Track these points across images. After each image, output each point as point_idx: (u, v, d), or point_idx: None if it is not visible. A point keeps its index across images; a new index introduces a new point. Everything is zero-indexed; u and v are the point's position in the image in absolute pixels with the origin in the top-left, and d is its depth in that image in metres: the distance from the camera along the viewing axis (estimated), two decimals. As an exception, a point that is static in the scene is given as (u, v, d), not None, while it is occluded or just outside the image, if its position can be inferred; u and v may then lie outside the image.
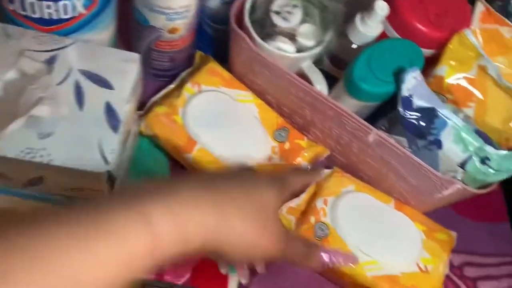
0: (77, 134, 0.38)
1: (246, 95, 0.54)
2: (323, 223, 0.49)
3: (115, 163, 0.39)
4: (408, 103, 0.43)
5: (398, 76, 0.44)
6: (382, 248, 0.49)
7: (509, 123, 0.46)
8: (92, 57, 0.42)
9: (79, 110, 0.39)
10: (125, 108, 0.41)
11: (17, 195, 0.41)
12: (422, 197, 0.50)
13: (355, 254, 0.48)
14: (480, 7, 0.49)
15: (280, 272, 0.51)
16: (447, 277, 0.54)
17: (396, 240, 0.50)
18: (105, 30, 0.47)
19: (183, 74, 0.57)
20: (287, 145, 0.53)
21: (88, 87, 0.40)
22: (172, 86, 0.56)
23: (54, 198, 0.42)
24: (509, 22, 0.49)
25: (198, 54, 0.58)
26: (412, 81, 0.43)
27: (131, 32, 0.54)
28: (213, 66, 0.55)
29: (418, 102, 0.43)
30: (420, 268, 0.49)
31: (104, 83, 0.41)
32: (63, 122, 0.39)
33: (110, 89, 0.41)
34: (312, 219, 0.49)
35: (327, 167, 0.55)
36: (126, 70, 0.42)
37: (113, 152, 0.39)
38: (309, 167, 0.53)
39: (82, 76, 0.41)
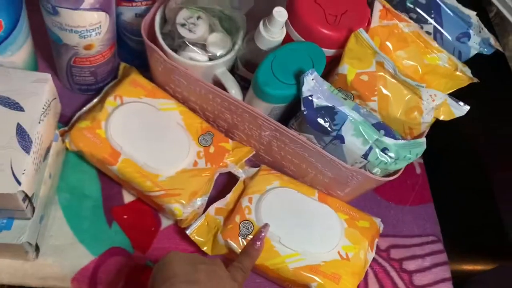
0: (-13, 158, 0.40)
1: (169, 103, 0.56)
2: (248, 220, 0.52)
3: (29, 183, 0.41)
4: (309, 103, 0.46)
5: (299, 78, 0.46)
6: (304, 240, 0.52)
7: (410, 114, 0.49)
8: (2, 80, 0.43)
9: (-11, 135, 0.41)
10: (37, 129, 0.42)
11: None
12: (340, 186, 0.53)
13: (278, 249, 0.50)
14: (378, 6, 0.52)
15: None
16: (375, 260, 0.57)
17: (318, 230, 0.53)
18: (17, 52, 0.48)
19: (107, 87, 0.58)
20: (212, 149, 0.55)
21: (-2, 111, 0.42)
22: (95, 100, 0.57)
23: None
24: (407, 18, 0.52)
25: (122, 65, 0.60)
26: (311, 83, 0.46)
27: (51, 49, 0.55)
28: (136, 77, 0.57)
29: (317, 101, 0.46)
30: (341, 255, 0.52)
31: (14, 105, 0.42)
32: (-27, 148, 0.40)
33: (21, 110, 0.42)
34: (237, 218, 0.52)
35: (256, 166, 0.58)
36: (37, 91, 0.44)
37: (25, 173, 0.40)
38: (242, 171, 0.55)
39: (-9, 101, 0.42)
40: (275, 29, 0.48)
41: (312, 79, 0.46)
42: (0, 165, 0.40)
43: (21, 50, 0.49)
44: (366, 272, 0.53)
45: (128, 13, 0.55)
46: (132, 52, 0.60)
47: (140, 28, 0.52)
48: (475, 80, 0.51)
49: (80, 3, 0.46)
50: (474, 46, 0.53)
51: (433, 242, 0.61)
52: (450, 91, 0.51)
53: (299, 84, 0.46)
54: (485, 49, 0.53)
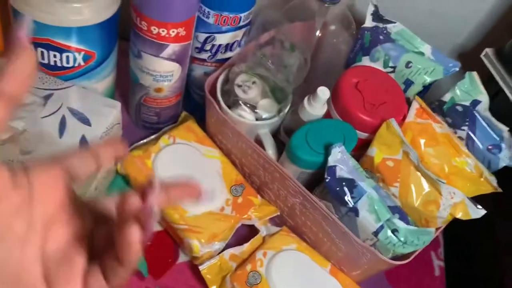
0: (51, 155, 0.47)
1: (213, 152, 0.63)
2: (257, 272, 0.55)
3: (81, 187, 0.48)
4: (332, 172, 0.50)
5: (328, 149, 0.51)
6: (306, 305, 0.53)
7: (428, 207, 0.52)
8: (81, 99, 0.52)
9: (59, 138, 0.49)
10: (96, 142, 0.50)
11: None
12: (352, 264, 0.55)
13: None
14: (415, 104, 0.57)
15: None
16: None
17: (322, 301, 0.54)
18: (101, 81, 0.58)
19: (165, 128, 0.66)
20: (240, 200, 0.60)
21: (71, 121, 0.50)
22: (153, 136, 0.65)
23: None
24: (441, 120, 0.57)
25: (184, 114, 0.68)
26: (338, 155, 0.50)
27: (128, 84, 0.64)
28: (191, 124, 0.65)
29: (340, 172, 0.50)
30: (339, 330, 0.53)
31: (84, 120, 0.51)
32: (43, 145, 0.48)
33: (89, 125, 0.51)
34: (248, 267, 0.55)
35: (278, 226, 0.61)
36: (105, 113, 0.52)
37: (76, 174, 0.47)
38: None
39: (69, 112, 0.51)
40: (317, 104, 0.54)
41: (339, 152, 0.50)
42: (60, 163, 0.47)
43: (104, 81, 0.58)
44: None
45: (199, 70, 0.64)
46: (195, 105, 0.69)
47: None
48: (499, 189, 0.53)
49: (160, 52, 0.55)
50: (504, 159, 0.56)
51: None
52: (472, 196, 0.53)
53: (327, 155, 0.51)
54: (514, 164, 0.55)
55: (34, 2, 0.48)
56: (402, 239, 0.48)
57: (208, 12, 0.56)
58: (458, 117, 0.58)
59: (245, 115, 0.58)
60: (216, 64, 0.63)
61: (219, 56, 0.61)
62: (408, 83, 0.60)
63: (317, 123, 0.54)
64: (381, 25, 0.61)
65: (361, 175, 0.51)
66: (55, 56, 0.52)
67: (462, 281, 0.67)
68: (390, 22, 0.61)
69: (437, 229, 0.53)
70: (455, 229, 0.67)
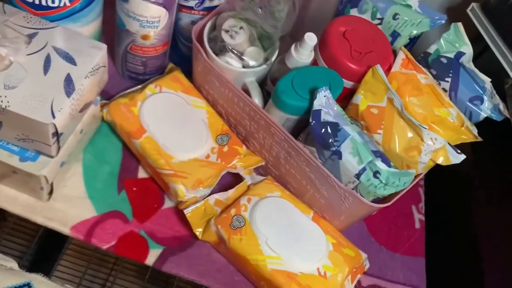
0: (36, 91, 0.47)
1: (199, 102, 0.63)
2: (241, 216, 0.55)
3: (62, 120, 0.47)
4: (317, 116, 0.51)
5: (314, 94, 0.52)
6: (288, 248, 0.54)
7: (409, 152, 0.53)
8: (67, 39, 0.52)
9: (43, 75, 0.48)
10: (81, 82, 0.50)
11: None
12: (333, 210, 0.56)
13: (262, 248, 0.53)
14: (401, 55, 0.57)
15: (196, 256, 0.56)
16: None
17: (304, 244, 0.55)
18: (86, 25, 0.57)
19: (152, 79, 0.66)
20: (225, 149, 0.60)
21: (56, 60, 0.50)
22: (139, 86, 0.65)
23: (9, 147, 0.50)
24: (426, 71, 0.57)
25: (170, 65, 0.68)
26: (323, 99, 0.51)
27: (114, 35, 0.64)
28: (177, 74, 0.65)
29: (325, 116, 0.51)
30: (319, 272, 0.54)
31: (70, 59, 0.50)
32: (27, 81, 0.47)
33: (74, 65, 0.50)
34: (233, 211, 0.56)
35: (263, 176, 0.62)
36: (91, 54, 0.52)
37: (61, 111, 0.47)
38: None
39: (54, 51, 0.50)
40: (304, 51, 0.55)
41: (325, 96, 0.51)
42: (44, 99, 0.47)
43: (90, 25, 0.58)
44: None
45: (186, 19, 0.64)
46: (182, 57, 0.68)
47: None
48: (479, 138, 0.55)
49: (147, -5, 0.55)
50: (485, 110, 0.57)
51: (415, 293, 0.61)
52: (453, 144, 0.55)
53: (312, 100, 0.52)
54: (495, 115, 0.56)
55: None
56: (383, 180, 0.49)
57: (196, -45, 0.56)
58: (442, 68, 0.58)
59: (232, 62, 0.58)
60: (203, 12, 0.62)
61: (207, 3, 0.61)
62: (395, 35, 0.60)
63: (303, 69, 0.54)
64: (369, -23, 0.61)
65: (345, 120, 0.51)
66: (40, -6, 0.51)
67: (441, 235, 0.69)
68: (379, -26, 0.61)
69: (418, 175, 0.54)
70: (435, 184, 0.69)
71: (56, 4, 0.52)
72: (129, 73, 0.66)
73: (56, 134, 0.48)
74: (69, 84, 0.49)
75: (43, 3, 0.52)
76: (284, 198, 0.59)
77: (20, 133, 0.48)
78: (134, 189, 0.59)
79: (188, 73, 0.65)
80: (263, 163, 0.62)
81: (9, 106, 0.45)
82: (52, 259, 0.77)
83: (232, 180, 0.62)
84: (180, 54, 0.69)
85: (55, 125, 0.47)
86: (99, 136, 0.61)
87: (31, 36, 0.50)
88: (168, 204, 0.59)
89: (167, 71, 0.67)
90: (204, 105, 0.63)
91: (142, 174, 0.61)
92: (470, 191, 0.68)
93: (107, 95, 0.64)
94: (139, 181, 0.60)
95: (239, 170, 0.60)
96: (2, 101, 0.46)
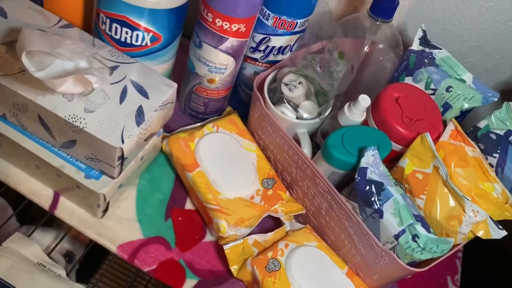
0: (111, 117, 0.52)
1: (251, 145, 0.67)
2: (277, 260, 0.57)
3: (129, 146, 0.52)
4: (363, 173, 0.53)
5: (362, 152, 0.54)
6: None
7: (450, 221, 0.54)
8: (143, 75, 0.57)
9: (119, 104, 0.54)
10: (151, 114, 0.55)
11: (53, 152, 0.55)
12: (368, 268, 0.57)
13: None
14: (451, 126, 0.59)
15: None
16: None
17: (335, 297, 0.56)
18: (161, 64, 0.63)
19: (210, 119, 0.71)
20: (270, 192, 0.63)
21: (132, 91, 0.55)
22: (198, 124, 0.70)
23: (77, 164, 0.55)
24: (474, 144, 0.59)
25: (228, 108, 0.73)
26: (370, 157, 0.53)
27: (182, 80, 0.70)
28: (234, 117, 0.69)
29: (371, 175, 0.53)
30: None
31: (143, 93, 0.56)
32: (105, 107, 0.53)
33: (146, 98, 0.56)
34: (269, 254, 0.58)
35: (302, 224, 0.64)
36: (162, 90, 0.57)
37: (130, 138, 0.52)
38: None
39: (131, 84, 0.56)
40: (357, 110, 0.58)
41: (372, 155, 0.53)
42: (117, 125, 0.52)
43: (164, 64, 0.64)
44: None
45: (250, 69, 0.69)
46: (240, 102, 0.73)
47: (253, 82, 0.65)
48: (523, 217, 0.55)
49: (219, 44, 0.60)
50: (531, 189, 0.57)
51: None
52: (496, 220, 0.55)
53: (360, 157, 0.54)
54: (541, 195, 0.57)
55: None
56: (421, 245, 0.50)
57: (268, 14, 0.61)
58: (491, 144, 0.60)
59: (287, 112, 0.62)
60: (266, 65, 0.67)
61: (271, 57, 0.66)
62: (447, 106, 0.62)
63: (354, 127, 0.57)
64: (427, 49, 0.64)
65: (390, 181, 0.53)
66: (126, 33, 0.57)
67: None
68: (437, 48, 0.64)
69: (456, 245, 0.55)
70: (473, 259, 0.68)
71: (139, 43, 0.59)
72: (190, 111, 0.71)
73: (122, 158, 0.53)
74: (140, 115, 0.54)
75: (128, 41, 0.58)
76: (321, 249, 0.60)
77: (90, 152, 0.54)
78: (180, 218, 0.63)
79: (244, 117, 0.70)
80: (304, 212, 0.64)
81: (86, 127, 0.51)
82: (91, 272, 0.81)
83: (272, 223, 0.64)
84: (239, 99, 0.74)
85: (122, 150, 0.52)
86: (155, 165, 0.66)
87: (113, 68, 0.57)
88: (208, 237, 0.62)
89: (226, 113, 0.72)
90: (255, 149, 0.66)
91: (189, 205, 0.64)
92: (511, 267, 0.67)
93: (168, 129, 0.69)
94: (186, 212, 0.64)
95: (280, 215, 0.63)
96: (81, 123, 0.51)
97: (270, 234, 0.61)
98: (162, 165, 0.66)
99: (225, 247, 0.58)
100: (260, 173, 0.64)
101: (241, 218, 0.60)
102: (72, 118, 0.51)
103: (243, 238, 0.60)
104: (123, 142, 0.51)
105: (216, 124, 0.67)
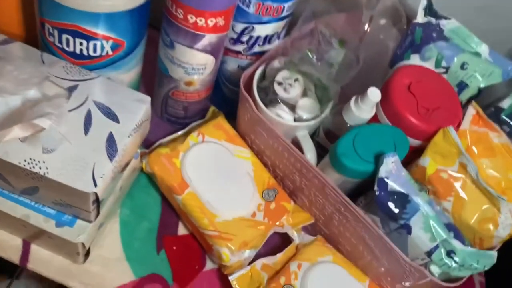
0: (76, 155, 0.43)
1: (244, 152, 0.58)
2: (291, 286, 0.51)
3: (103, 187, 0.43)
4: (383, 185, 0.46)
5: (378, 158, 0.47)
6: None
7: (484, 224, 0.47)
8: (108, 92, 0.48)
9: (84, 135, 0.44)
10: (125, 141, 0.45)
11: (12, 200, 0.46)
12: (393, 281, 0.51)
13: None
14: (471, 110, 0.52)
15: None
16: None
17: (359, 319, 0.50)
18: (128, 72, 0.53)
19: (193, 124, 0.62)
20: (272, 206, 0.56)
21: (97, 116, 0.46)
22: (180, 132, 0.60)
23: (45, 210, 0.46)
24: (498, 129, 0.52)
25: (212, 109, 0.63)
26: (390, 165, 0.46)
27: (155, 79, 0.60)
28: (221, 121, 0.60)
29: (393, 185, 0.45)
30: None
31: (112, 116, 0.46)
32: (67, 142, 0.43)
33: (117, 122, 0.46)
34: (282, 280, 0.51)
35: (311, 235, 0.57)
36: (134, 110, 0.47)
37: (103, 177, 0.43)
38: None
39: (95, 106, 0.46)
40: (365, 107, 0.49)
41: (392, 162, 0.46)
42: (85, 164, 0.43)
43: (131, 71, 0.54)
44: None
45: (232, 63, 0.59)
46: (225, 100, 0.64)
47: (239, 78, 0.55)
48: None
49: (195, 43, 0.50)
50: None
51: None
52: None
53: (377, 163, 0.47)
54: None
55: (60, -16, 0.43)
56: (459, 261, 0.44)
57: (249, 0, 0.51)
58: (517, 125, 0.53)
59: (283, 115, 0.53)
60: (251, 57, 0.58)
61: (256, 48, 0.56)
62: (462, 86, 0.55)
63: (365, 128, 0.49)
64: (434, 21, 0.56)
65: (414, 189, 0.46)
66: (81, 44, 0.47)
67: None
68: (444, 18, 0.56)
69: (491, 248, 0.49)
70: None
71: (98, 54, 0.48)
72: (168, 116, 0.62)
73: (97, 201, 0.44)
74: (111, 145, 0.45)
75: (84, 52, 0.48)
76: (337, 263, 0.54)
77: (58, 198, 0.44)
78: (174, 247, 0.55)
79: (229, 115, 0.61)
80: (313, 221, 0.57)
81: (47, 173, 0.41)
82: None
83: (278, 238, 0.57)
84: (222, 96, 0.64)
85: (96, 194, 0.43)
86: (137, 188, 0.57)
87: (70, 90, 0.47)
88: (209, 265, 0.55)
89: (210, 114, 0.63)
90: (249, 156, 0.58)
91: (182, 230, 0.56)
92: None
93: (145, 142, 0.59)
94: (179, 239, 0.56)
95: (287, 229, 0.55)
96: (40, 168, 0.42)
97: (279, 255, 0.54)
98: (144, 187, 0.58)
99: (231, 278, 0.51)
100: (258, 183, 0.56)
101: (245, 242, 0.52)
102: (28, 163, 0.41)
103: (249, 264, 0.52)
104: (95, 185, 0.42)
105: (201, 131, 0.58)
